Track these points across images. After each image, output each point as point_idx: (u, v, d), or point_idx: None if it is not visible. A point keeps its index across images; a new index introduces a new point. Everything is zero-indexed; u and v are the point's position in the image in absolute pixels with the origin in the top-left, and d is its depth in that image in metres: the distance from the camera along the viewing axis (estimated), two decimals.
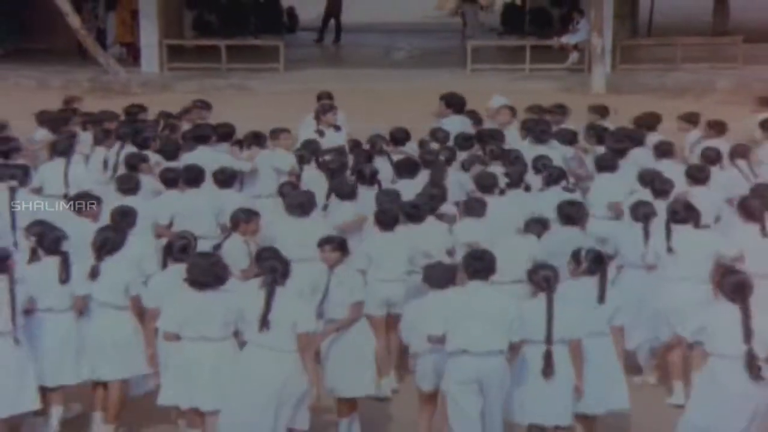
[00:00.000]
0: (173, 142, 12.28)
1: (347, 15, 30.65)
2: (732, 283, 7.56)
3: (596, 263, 8.05)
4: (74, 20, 22.97)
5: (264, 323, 7.49)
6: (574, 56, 24.47)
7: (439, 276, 8.05)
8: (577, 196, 10.76)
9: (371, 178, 10.92)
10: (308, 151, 11.86)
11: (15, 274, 7.95)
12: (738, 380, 7.39)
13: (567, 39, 24.85)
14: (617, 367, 8.06)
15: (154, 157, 11.58)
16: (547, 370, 7.58)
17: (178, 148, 11.95)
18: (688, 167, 11.29)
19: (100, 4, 26.05)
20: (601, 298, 7.95)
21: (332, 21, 29.52)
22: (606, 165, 11.32)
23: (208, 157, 11.59)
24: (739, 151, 12.01)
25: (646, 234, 9.51)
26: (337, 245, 8.46)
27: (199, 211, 10.23)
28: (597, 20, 22.59)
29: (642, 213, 9.69)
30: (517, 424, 7.91)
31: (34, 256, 8.42)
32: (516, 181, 10.83)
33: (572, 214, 9.63)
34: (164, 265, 8.57)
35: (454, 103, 14.00)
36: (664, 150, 11.95)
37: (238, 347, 7.79)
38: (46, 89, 21.36)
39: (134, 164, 11.07)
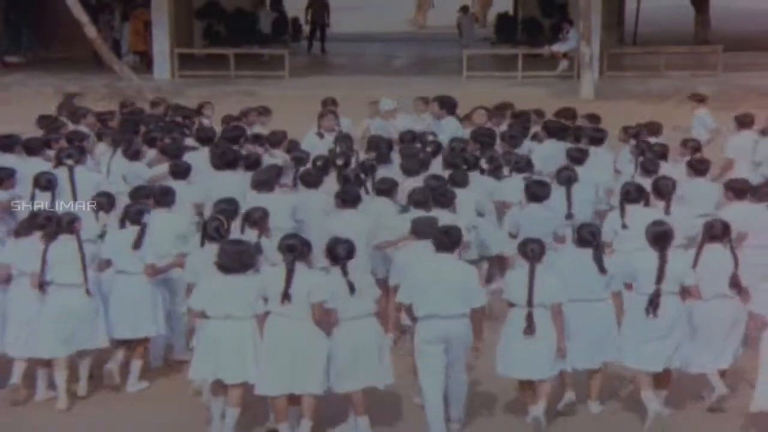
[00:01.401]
0: (178, 142, 12.73)
1: (349, 25, 31.25)
2: (653, 233, 8.79)
3: (590, 237, 8.90)
4: (91, 30, 23.71)
5: (285, 296, 8.21)
6: (563, 64, 25.03)
7: (424, 227, 9.13)
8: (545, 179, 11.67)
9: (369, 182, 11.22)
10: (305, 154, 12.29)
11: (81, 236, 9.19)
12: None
13: (557, 47, 25.45)
14: (614, 327, 8.88)
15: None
16: (528, 329, 8.47)
17: (179, 148, 12.37)
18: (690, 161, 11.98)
19: (116, 16, 26.72)
20: (601, 269, 8.77)
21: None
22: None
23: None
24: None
25: (569, 197, 10.85)
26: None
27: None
28: (585, 30, 23.20)
29: (564, 177, 10.97)
30: (504, 376, 8.84)
31: (122, 225, 9.65)
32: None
33: (538, 193, 10.65)
34: (202, 244, 9.21)
35: (448, 104, 14.51)
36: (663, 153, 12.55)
37: (259, 325, 8.38)
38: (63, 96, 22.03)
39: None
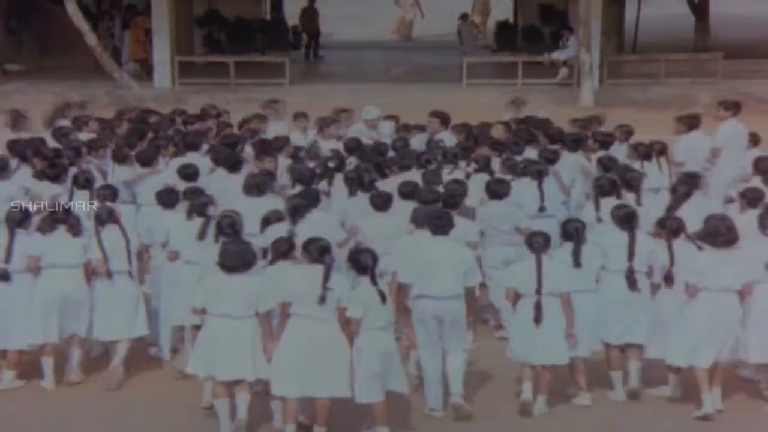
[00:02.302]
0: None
1: (350, 33, 31.38)
2: (617, 216, 9.51)
3: (573, 231, 9.43)
4: (91, 39, 23.82)
5: (323, 299, 8.29)
6: (563, 71, 25.10)
7: (422, 217, 9.54)
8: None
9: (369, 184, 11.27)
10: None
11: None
12: (622, 289, 9.36)
13: (557, 55, 25.54)
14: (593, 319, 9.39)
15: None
16: (537, 317, 8.94)
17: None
18: None
19: (116, 24, 26.83)
20: (576, 262, 9.30)
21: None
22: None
23: (198, 162, 12.17)
24: None
25: (540, 189, 11.22)
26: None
27: None
28: (585, 37, 23.31)
29: (535, 171, 11.37)
30: (517, 362, 9.29)
31: (189, 216, 10.08)
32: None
33: (499, 191, 10.96)
34: (216, 240, 9.39)
35: (447, 120, 14.31)
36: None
37: (257, 325, 8.49)
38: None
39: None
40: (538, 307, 8.95)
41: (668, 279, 9.34)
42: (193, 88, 24.05)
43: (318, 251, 8.47)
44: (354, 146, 12.92)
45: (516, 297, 9.17)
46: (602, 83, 24.32)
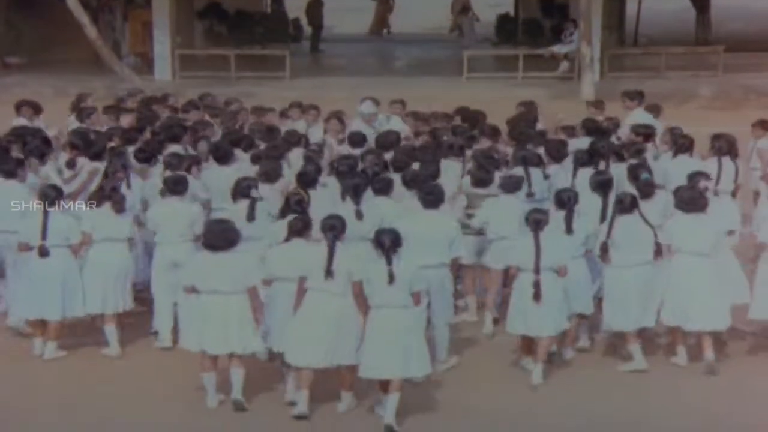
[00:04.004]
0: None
1: (351, 26, 31.38)
2: (596, 181, 10.37)
3: (566, 199, 9.99)
4: (91, 31, 23.84)
5: (329, 273, 8.78)
6: (564, 65, 25.13)
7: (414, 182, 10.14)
8: None
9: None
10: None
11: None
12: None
13: (558, 49, 25.57)
14: (589, 281, 10.08)
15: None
16: (536, 295, 9.42)
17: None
18: None
19: (117, 17, 26.86)
20: (568, 229, 9.89)
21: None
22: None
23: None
24: None
25: (527, 176, 11.28)
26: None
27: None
28: (586, 31, 23.30)
29: (521, 157, 11.58)
30: (515, 334, 9.84)
31: (234, 200, 10.48)
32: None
33: (483, 178, 11.09)
34: (282, 216, 9.80)
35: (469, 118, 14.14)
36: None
37: (247, 301, 8.95)
38: (63, 97, 21.85)
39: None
40: (537, 285, 9.40)
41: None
42: (193, 81, 23.93)
43: (323, 228, 8.93)
44: (358, 140, 12.85)
45: (515, 272, 9.69)
46: (603, 77, 24.30)
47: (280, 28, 30.83)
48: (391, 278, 8.65)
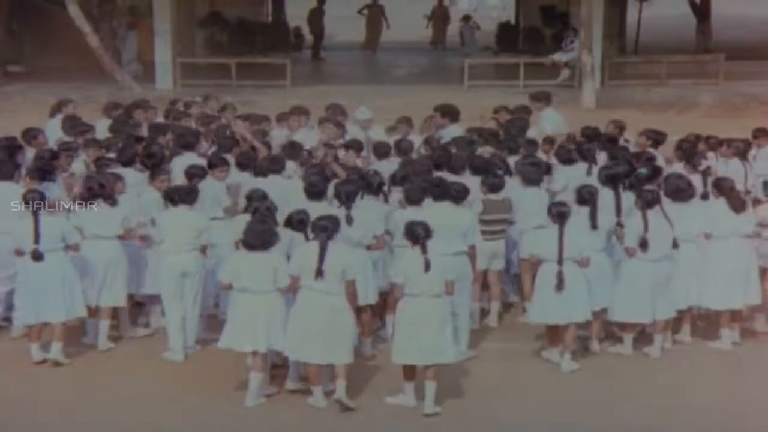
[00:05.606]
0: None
1: (352, 34, 31.39)
2: (606, 174, 10.66)
3: (588, 196, 10.28)
4: (93, 40, 23.90)
5: (319, 272, 8.98)
6: (565, 73, 25.19)
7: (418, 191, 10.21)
8: None
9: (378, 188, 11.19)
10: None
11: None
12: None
13: (558, 57, 25.61)
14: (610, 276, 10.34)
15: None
16: (559, 285, 9.79)
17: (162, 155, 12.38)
18: None
19: (121, 24, 26.77)
20: (593, 225, 10.19)
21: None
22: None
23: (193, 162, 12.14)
24: None
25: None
26: None
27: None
28: (587, 39, 23.36)
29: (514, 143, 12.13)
30: (538, 323, 10.22)
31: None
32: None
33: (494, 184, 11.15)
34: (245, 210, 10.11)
35: (450, 112, 14.43)
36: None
37: (274, 300, 9.16)
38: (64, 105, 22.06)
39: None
40: (560, 277, 9.76)
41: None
42: (194, 90, 23.55)
43: (315, 228, 9.15)
44: (384, 152, 12.75)
45: (539, 262, 9.99)
46: (604, 85, 24.40)
47: (281, 36, 31.00)
48: (427, 266, 8.92)
